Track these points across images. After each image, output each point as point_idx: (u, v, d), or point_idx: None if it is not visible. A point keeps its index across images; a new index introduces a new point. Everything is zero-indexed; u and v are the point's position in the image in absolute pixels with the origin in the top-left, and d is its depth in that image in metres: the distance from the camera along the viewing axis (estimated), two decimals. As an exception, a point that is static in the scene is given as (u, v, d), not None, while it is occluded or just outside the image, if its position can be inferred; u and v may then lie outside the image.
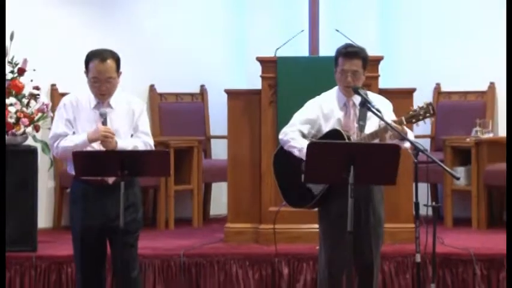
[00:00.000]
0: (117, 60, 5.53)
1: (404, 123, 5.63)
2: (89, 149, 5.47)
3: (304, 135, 5.74)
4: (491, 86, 8.36)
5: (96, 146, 5.48)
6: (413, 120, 5.68)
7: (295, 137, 5.73)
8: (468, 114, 8.10)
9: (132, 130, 5.59)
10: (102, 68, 5.49)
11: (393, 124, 5.57)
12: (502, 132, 8.16)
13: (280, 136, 5.84)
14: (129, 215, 5.46)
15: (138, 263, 5.70)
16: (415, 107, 5.76)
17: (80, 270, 5.63)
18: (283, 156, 5.84)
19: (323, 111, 5.78)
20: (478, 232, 7.59)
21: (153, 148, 5.69)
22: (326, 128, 5.76)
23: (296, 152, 5.66)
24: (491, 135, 7.87)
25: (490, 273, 6.57)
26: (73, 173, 5.49)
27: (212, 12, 8.49)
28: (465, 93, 8.45)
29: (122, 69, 5.57)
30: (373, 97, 5.81)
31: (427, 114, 5.69)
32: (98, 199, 5.48)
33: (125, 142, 5.51)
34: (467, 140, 7.77)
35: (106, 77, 5.49)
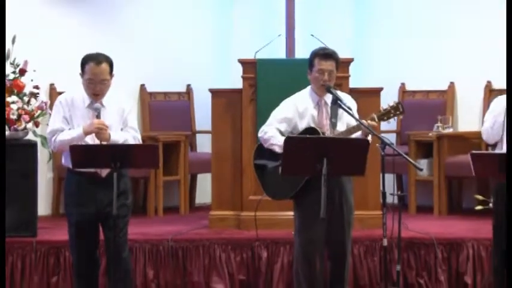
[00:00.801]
0: (110, 64, 5.56)
1: (376, 120, 5.67)
2: (86, 141, 5.49)
3: (281, 133, 5.76)
4: (451, 85, 8.36)
5: (90, 140, 5.50)
6: (385, 118, 5.72)
7: (274, 134, 5.75)
8: (430, 111, 8.09)
9: (122, 125, 5.63)
10: (97, 71, 5.51)
11: (363, 121, 5.61)
12: (461, 127, 8.19)
13: (260, 134, 5.85)
14: (120, 201, 5.46)
15: (128, 245, 5.73)
16: (385, 105, 5.80)
17: (75, 254, 5.66)
18: (263, 151, 5.87)
19: (298, 110, 5.79)
20: (439, 218, 7.61)
21: (141, 141, 5.74)
22: (301, 126, 5.77)
23: (277, 149, 5.66)
24: (451, 130, 7.86)
25: (450, 256, 6.56)
26: (69, 165, 5.49)
27: (198, 18, 8.46)
28: (427, 92, 8.45)
29: (115, 70, 5.59)
30: (342, 96, 5.83)
31: (397, 113, 5.74)
32: (91, 190, 5.48)
33: (117, 135, 5.54)
34: (430, 134, 7.77)
35: (100, 79, 5.51)
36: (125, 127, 5.64)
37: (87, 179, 5.52)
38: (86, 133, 5.48)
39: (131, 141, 5.59)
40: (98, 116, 5.50)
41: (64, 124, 5.55)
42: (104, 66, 5.53)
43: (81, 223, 5.56)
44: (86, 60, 5.53)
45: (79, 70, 5.55)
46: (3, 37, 6.66)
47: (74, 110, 5.56)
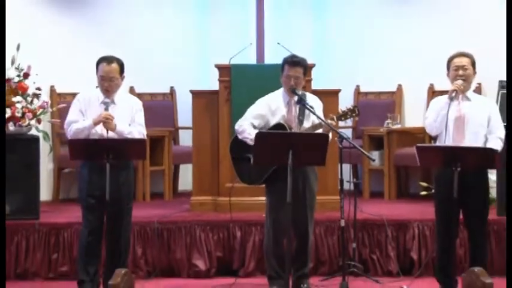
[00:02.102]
0: (121, 65, 5.64)
1: (335, 120, 5.72)
2: (93, 132, 5.55)
3: (255, 127, 5.78)
4: (399, 87, 8.39)
5: (99, 130, 5.56)
6: (342, 118, 5.79)
7: (247, 128, 5.78)
8: (381, 109, 8.11)
9: (130, 121, 5.67)
10: (107, 69, 5.60)
11: (328, 121, 5.65)
12: (408, 123, 8.20)
13: (236, 127, 5.88)
14: (125, 190, 5.57)
15: (131, 226, 5.82)
16: (343, 108, 5.85)
17: (85, 228, 5.68)
18: (238, 144, 5.89)
19: (271, 108, 5.83)
20: (389, 202, 7.62)
21: (145, 136, 5.76)
22: (273, 122, 5.81)
23: (249, 142, 5.69)
24: (399, 126, 7.88)
25: (398, 234, 6.58)
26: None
27: (180, 28, 8.42)
28: (379, 93, 8.46)
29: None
30: (310, 97, 5.88)
31: (354, 115, 5.80)
32: (100, 174, 5.50)
33: (123, 127, 5.60)
34: (381, 130, 7.80)
35: (110, 77, 5.59)
36: (132, 123, 5.69)
37: (96, 168, 5.55)
38: (95, 123, 5.55)
39: (136, 135, 5.64)
40: (106, 109, 5.58)
41: (79, 117, 5.64)
42: (114, 66, 5.61)
43: (91, 203, 5.61)
44: (100, 61, 5.64)
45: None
46: (3, 37, 6.61)
47: (90, 106, 5.65)
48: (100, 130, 5.56)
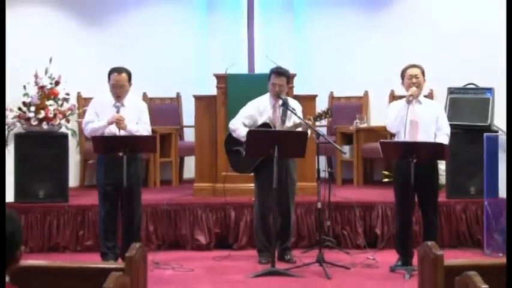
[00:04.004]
0: (129, 74, 5.66)
1: (312, 121, 5.74)
2: (107, 130, 5.55)
3: (245, 125, 5.81)
4: (366, 93, 8.35)
5: (113, 129, 5.57)
6: (318, 119, 5.82)
7: (239, 127, 5.81)
8: (351, 111, 8.07)
9: (138, 120, 5.67)
10: (118, 78, 5.60)
11: (306, 121, 5.68)
12: (373, 123, 8.15)
13: (230, 126, 5.90)
14: (135, 177, 5.55)
15: (141, 209, 5.82)
16: (319, 110, 5.89)
17: (102, 211, 5.69)
18: (231, 139, 5.91)
19: (259, 109, 5.86)
20: (357, 188, 7.59)
21: (151, 132, 5.77)
22: (260, 121, 5.83)
23: (241, 138, 5.73)
24: (366, 125, 7.85)
25: (365, 214, 6.58)
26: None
27: (185, 45, 8.37)
28: (349, 98, 8.40)
29: (127, 82, 5.69)
30: (292, 101, 5.90)
31: (327, 116, 5.84)
32: (113, 166, 5.52)
33: (132, 126, 5.61)
34: (351, 128, 7.77)
35: (120, 84, 5.60)
36: (139, 121, 5.68)
37: (111, 159, 5.55)
38: (109, 123, 5.58)
39: (143, 132, 5.63)
40: (118, 111, 5.59)
41: (94, 117, 5.65)
42: (124, 75, 5.61)
43: (107, 189, 5.61)
44: (111, 71, 5.65)
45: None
46: (3, 37, 6.52)
47: (103, 108, 5.65)
48: (113, 129, 5.57)
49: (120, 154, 5.42)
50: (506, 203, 5.19)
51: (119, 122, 5.53)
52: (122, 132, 5.57)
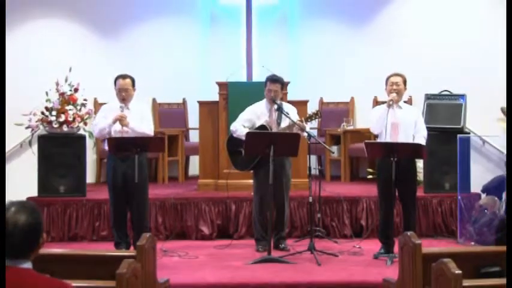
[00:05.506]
0: (133, 80, 5.65)
1: (304, 122, 5.74)
2: (118, 135, 5.51)
3: (244, 127, 5.81)
4: (352, 98, 8.32)
5: (118, 127, 5.54)
6: (309, 120, 5.80)
7: (239, 129, 5.80)
8: (339, 115, 8.05)
9: (141, 119, 5.64)
10: (123, 83, 5.59)
11: (298, 122, 5.69)
12: (358, 125, 8.10)
13: (231, 128, 5.89)
14: (141, 176, 5.51)
15: (148, 203, 5.79)
16: (310, 112, 5.88)
17: (112, 207, 5.67)
18: (232, 141, 5.90)
19: (256, 113, 5.85)
20: (344, 184, 7.56)
21: (152, 130, 5.71)
22: (258, 123, 5.82)
23: (242, 137, 5.69)
24: (352, 127, 7.81)
25: (351, 207, 6.56)
26: (107, 149, 5.57)
27: (190, 56, 8.38)
28: (337, 103, 8.36)
29: (138, 90, 5.69)
30: (287, 105, 5.90)
31: (317, 117, 5.82)
32: (122, 165, 5.52)
33: (135, 123, 5.56)
34: (338, 130, 7.74)
35: (125, 88, 5.59)
36: (143, 120, 5.65)
37: (119, 158, 5.54)
38: (113, 121, 5.55)
39: (146, 130, 5.59)
40: (122, 111, 5.56)
41: (102, 120, 5.62)
42: (128, 80, 5.61)
43: (116, 187, 5.58)
44: (117, 78, 5.65)
45: (113, 89, 5.62)
46: (3, 37, 6.51)
47: (110, 112, 5.63)
48: (119, 127, 5.54)
49: (131, 157, 5.40)
50: (506, 201, 5.15)
51: (121, 120, 5.51)
52: (125, 129, 5.52)
